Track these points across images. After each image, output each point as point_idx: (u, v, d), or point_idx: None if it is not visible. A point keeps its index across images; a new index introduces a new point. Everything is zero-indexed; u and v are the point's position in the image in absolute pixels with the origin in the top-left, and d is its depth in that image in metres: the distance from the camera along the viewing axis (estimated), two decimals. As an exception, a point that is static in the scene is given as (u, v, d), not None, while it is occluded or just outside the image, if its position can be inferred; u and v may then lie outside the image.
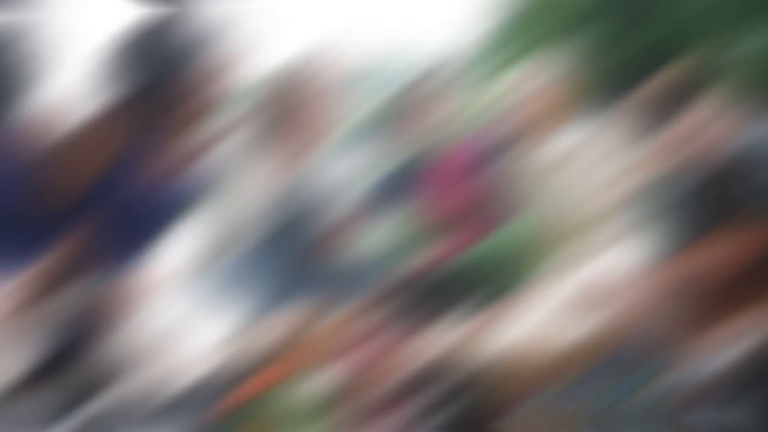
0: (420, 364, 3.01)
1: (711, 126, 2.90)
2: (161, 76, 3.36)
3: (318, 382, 2.88)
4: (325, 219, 3.79)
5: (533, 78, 4.09)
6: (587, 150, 4.04)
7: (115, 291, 3.22)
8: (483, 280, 3.83)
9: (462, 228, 4.37)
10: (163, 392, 2.99)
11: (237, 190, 3.94)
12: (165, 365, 3.08)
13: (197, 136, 3.81)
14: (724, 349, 2.69)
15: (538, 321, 2.80)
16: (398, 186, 4.54)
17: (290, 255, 4.13)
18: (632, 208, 4.13)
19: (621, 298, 3.07)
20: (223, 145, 3.97)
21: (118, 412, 2.94)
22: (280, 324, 3.38)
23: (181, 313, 3.27)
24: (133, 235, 3.49)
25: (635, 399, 2.53)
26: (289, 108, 3.94)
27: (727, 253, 2.93)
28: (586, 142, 4.05)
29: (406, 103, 4.43)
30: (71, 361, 3.27)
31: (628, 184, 3.99)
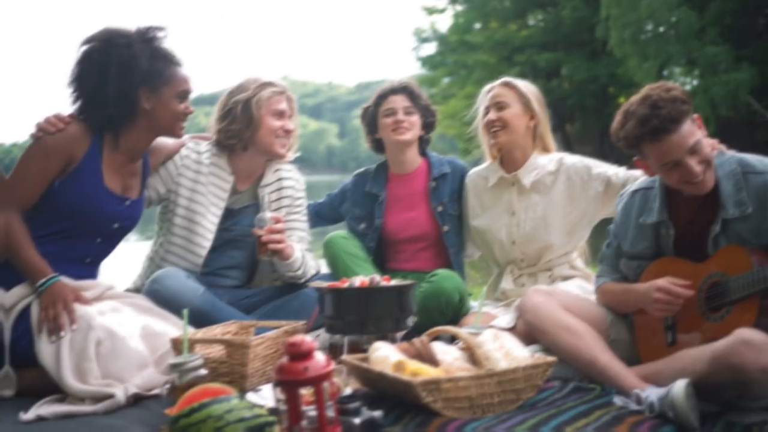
0: (359, 385, 2.97)
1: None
2: (120, 89, 3.27)
3: (257, 399, 2.82)
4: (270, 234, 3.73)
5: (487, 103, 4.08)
6: (543, 180, 4.02)
7: (61, 294, 3.10)
8: (427, 304, 3.80)
9: (413, 251, 4.36)
10: (105, 398, 2.89)
11: (190, 205, 3.88)
12: (105, 372, 2.98)
13: (154, 151, 3.76)
14: (661, 381, 2.69)
15: (478, 346, 2.76)
16: (352, 204, 4.50)
17: (235, 271, 4.09)
18: (589, 240, 4.12)
19: (564, 327, 3.07)
20: (179, 161, 3.91)
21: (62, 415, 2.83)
22: (220, 338, 3.31)
23: (124, 321, 3.21)
24: (84, 242, 3.38)
25: (574, 428, 2.51)
26: (244, 127, 3.90)
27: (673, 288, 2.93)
28: (542, 170, 4.03)
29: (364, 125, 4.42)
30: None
31: (585, 217, 3.98)
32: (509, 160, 4.07)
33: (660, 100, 2.80)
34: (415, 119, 4.24)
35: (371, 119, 4.35)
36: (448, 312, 3.81)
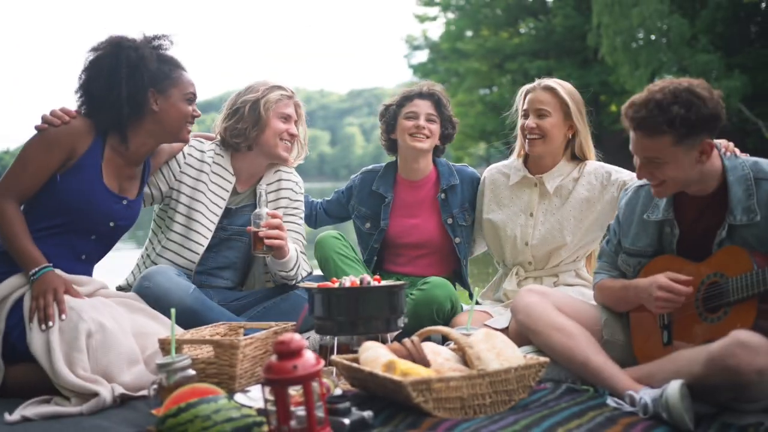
0: (349, 386, 2.94)
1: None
2: (129, 90, 3.28)
3: (245, 400, 2.78)
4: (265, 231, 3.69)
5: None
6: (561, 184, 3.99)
7: (52, 284, 3.07)
8: (419, 311, 3.77)
9: (411, 256, 4.31)
10: (90, 397, 2.83)
11: (192, 203, 3.82)
12: (95, 365, 2.93)
13: (157, 152, 3.73)
14: (656, 383, 2.67)
15: (469, 346, 2.73)
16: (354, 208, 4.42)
17: (229, 272, 4.05)
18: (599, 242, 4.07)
19: (557, 327, 3.04)
20: (182, 159, 3.88)
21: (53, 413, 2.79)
22: (209, 338, 3.28)
23: (115, 316, 3.17)
24: (79, 238, 3.35)
25: (566, 429, 2.47)
26: (251, 127, 3.88)
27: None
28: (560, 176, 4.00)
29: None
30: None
31: (598, 220, 3.94)
32: (538, 164, 4.00)
33: (661, 103, 2.74)
34: (436, 128, 4.14)
35: (391, 118, 4.24)
36: (440, 320, 3.76)
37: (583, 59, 30.46)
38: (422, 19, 38.84)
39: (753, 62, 23.23)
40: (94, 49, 3.34)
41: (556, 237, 3.87)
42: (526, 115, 3.93)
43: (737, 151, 3.02)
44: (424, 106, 4.13)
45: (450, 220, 4.14)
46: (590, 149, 3.99)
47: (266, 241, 3.51)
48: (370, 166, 4.45)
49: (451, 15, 37.41)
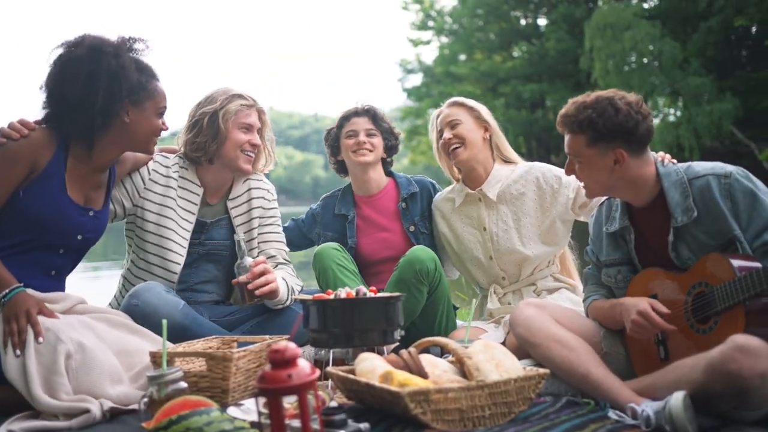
0: (345, 399, 2.88)
1: None
2: (105, 99, 3.15)
3: (239, 414, 2.73)
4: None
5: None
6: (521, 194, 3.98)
7: (24, 306, 2.94)
8: (404, 275, 3.73)
9: (391, 271, 4.25)
10: (79, 414, 2.76)
11: (160, 219, 3.76)
12: (77, 386, 2.86)
13: (122, 160, 3.67)
14: (657, 394, 2.62)
15: (468, 357, 2.68)
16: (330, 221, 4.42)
17: (212, 285, 3.98)
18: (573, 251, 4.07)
19: (557, 340, 3.00)
20: (146, 175, 3.81)
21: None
22: (201, 352, 3.23)
23: (95, 334, 3.10)
24: (48, 253, 3.23)
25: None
26: (210, 140, 3.82)
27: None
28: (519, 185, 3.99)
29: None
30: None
31: (556, 222, 3.92)
32: (473, 177, 4.07)
33: (580, 106, 2.97)
34: (377, 141, 4.26)
35: (334, 141, 4.37)
36: (425, 281, 3.74)
37: (576, 82, 30.57)
38: (416, 43, 39.04)
39: (744, 85, 23.37)
40: (68, 47, 3.19)
41: (516, 245, 3.90)
42: (441, 134, 4.07)
43: (674, 161, 3.13)
44: (361, 123, 4.26)
45: (412, 228, 4.21)
46: (505, 144, 4.11)
47: (257, 291, 3.46)
48: (329, 192, 4.53)
49: (444, 39, 37.61)
